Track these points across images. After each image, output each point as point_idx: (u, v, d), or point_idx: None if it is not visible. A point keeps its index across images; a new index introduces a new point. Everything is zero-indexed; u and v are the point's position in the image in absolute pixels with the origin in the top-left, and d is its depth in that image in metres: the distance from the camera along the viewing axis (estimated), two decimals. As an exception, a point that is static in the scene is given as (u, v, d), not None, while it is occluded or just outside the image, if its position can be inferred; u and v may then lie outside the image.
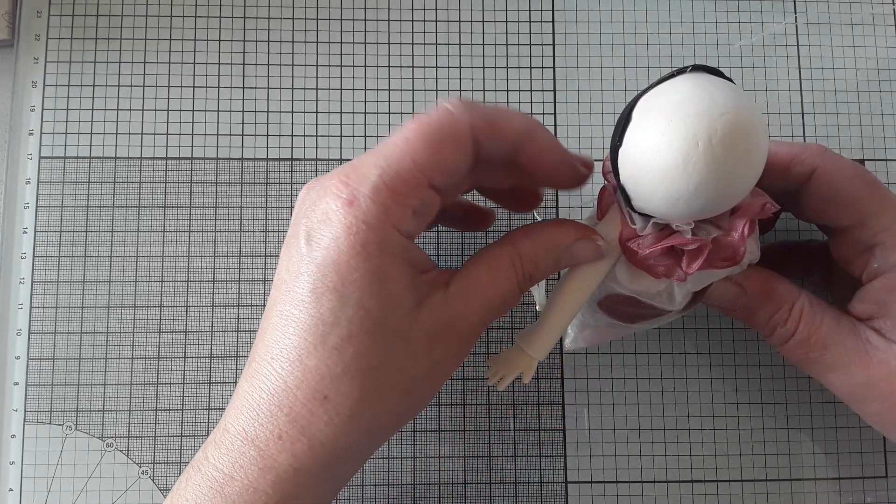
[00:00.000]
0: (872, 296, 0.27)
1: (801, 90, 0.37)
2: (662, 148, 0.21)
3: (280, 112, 0.36)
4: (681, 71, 0.24)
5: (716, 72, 0.24)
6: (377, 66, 0.37)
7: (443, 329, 0.24)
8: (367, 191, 0.22)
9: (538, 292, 0.35)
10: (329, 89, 0.36)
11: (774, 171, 0.27)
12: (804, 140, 0.37)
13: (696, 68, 0.24)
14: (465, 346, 0.25)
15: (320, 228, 0.22)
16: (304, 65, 0.36)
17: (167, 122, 0.36)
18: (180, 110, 0.36)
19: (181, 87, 0.36)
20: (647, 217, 0.25)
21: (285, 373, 0.22)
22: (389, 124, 0.36)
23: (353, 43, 0.37)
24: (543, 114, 0.37)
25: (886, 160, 0.37)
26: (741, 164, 0.22)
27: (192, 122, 0.36)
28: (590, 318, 0.30)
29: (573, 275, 0.27)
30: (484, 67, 0.37)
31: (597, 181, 0.27)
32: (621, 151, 0.23)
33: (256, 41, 0.37)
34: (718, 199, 0.22)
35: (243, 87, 0.36)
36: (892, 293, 0.26)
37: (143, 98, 0.36)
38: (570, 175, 0.26)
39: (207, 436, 0.33)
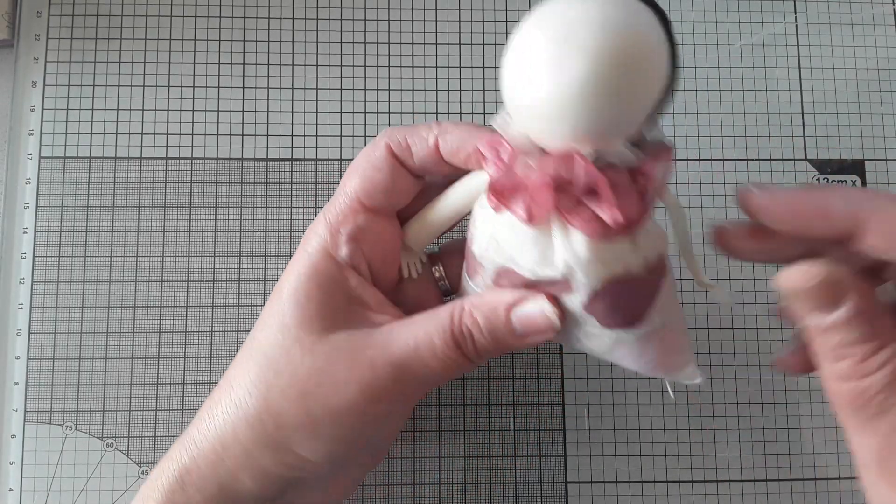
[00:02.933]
0: None
1: (801, 90, 0.37)
2: (535, 43, 0.20)
3: (280, 112, 0.36)
4: None
5: None
6: (377, 66, 0.37)
7: (353, 351, 0.24)
8: (315, 223, 0.27)
9: (666, 385, 0.30)
10: (329, 89, 0.36)
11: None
12: (804, 140, 0.37)
13: None
14: (378, 382, 0.24)
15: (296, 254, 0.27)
16: (304, 65, 0.36)
17: (167, 122, 0.36)
18: (180, 110, 0.36)
19: (181, 87, 0.36)
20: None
21: (266, 371, 0.25)
22: (389, 124, 0.36)
23: (353, 43, 0.37)
24: (543, 114, 0.37)
25: (886, 160, 0.37)
26: (618, 67, 0.19)
27: (192, 122, 0.36)
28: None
29: (462, 180, 0.25)
30: (484, 67, 0.37)
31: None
32: (504, 65, 0.22)
33: (256, 41, 0.36)
34: (595, 104, 0.20)
35: (243, 87, 0.36)
36: None
37: (143, 98, 0.36)
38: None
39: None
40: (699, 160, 0.37)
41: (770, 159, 0.37)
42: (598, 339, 0.24)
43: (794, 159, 0.37)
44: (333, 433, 0.24)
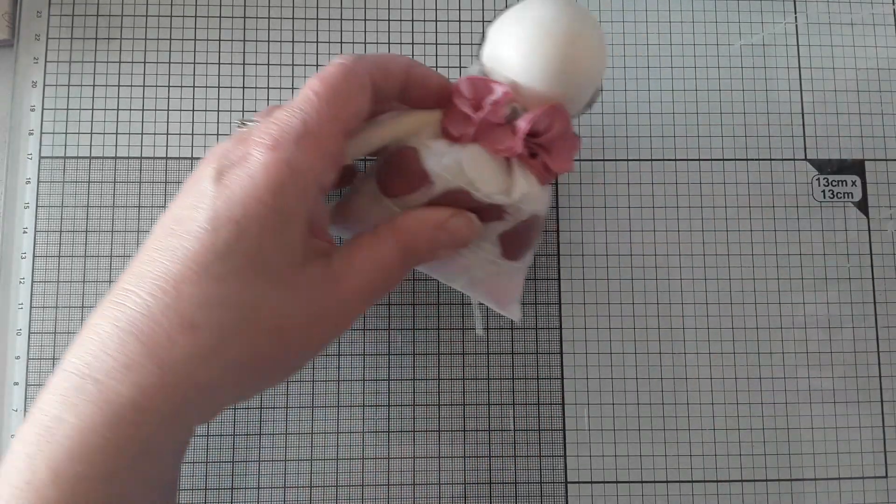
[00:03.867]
0: None
1: (801, 90, 0.37)
2: (520, 28, 0.27)
3: (280, 112, 0.36)
4: None
5: None
6: (377, 66, 0.37)
7: (322, 286, 0.24)
8: (293, 137, 0.23)
9: (477, 317, 0.35)
10: (329, 89, 0.36)
11: None
12: (804, 140, 0.37)
13: None
14: (344, 308, 0.25)
15: (235, 168, 0.23)
16: (304, 65, 0.36)
17: (167, 122, 0.36)
18: (180, 110, 0.36)
19: (181, 87, 0.36)
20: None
21: (153, 300, 0.22)
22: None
23: (353, 43, 0.37)
24: (543, 114, 0.37)
25: (886, 160, 0.37)
26: (569, 52, 0.27)
27: (192, 122, 0.36)
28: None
29: (414, 111, 0.29)
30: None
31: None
32: (489, 38, 0.29)
33: (256, 41, 0.36)
34: (550, 68, 0.27)
35: (243, 87, 0.36)
36: None
37: (143, 98, 0.36)
38: (443, 88, 0.28)
39: (207, 436, 0.33)
40: (699, 160, 0.37)
41: (770, 159, 0.37)
42: (479, 267, 0.29)
43: (794, 159, 0.37)
44: (294, 365, 0.25)
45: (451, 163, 0.27)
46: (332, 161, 0.24)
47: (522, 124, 0.27)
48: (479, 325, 0.35)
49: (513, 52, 0.27)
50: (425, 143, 0.28)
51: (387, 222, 0.27)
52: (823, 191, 0.37)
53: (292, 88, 0.36)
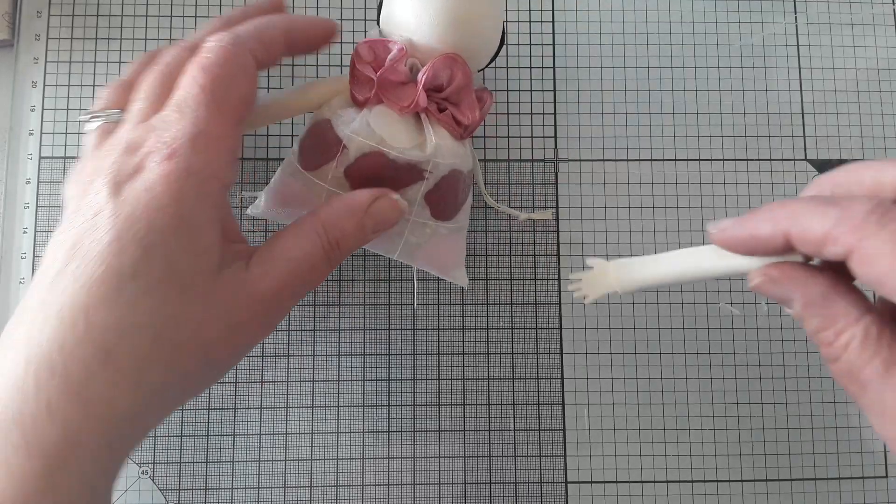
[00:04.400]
0: None
1: (801, 90, 0.37)
2: None
3: (280, 112, 0.36)
4: None
5: None
6: (377, 66, 0.37)
7: (241, 291, 0.23)
8: (187, 141, 0.22)
9: (415, 290, 0.35)
10: (329, 89, 0.36)
11: (806, 246, 0.22)
12: (804, 140, 0.37)
13: None
14: (267, 311, 0.24)
15: (131, 181, 0.22)
16: (304, 65, 0.36)
17: (167, 122, 0.36)
18: (180, 110, 0.36)
19: (181, 87, 0.36)
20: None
21: (63, 332, 0.20)
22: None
23: (353, 43, 0.37)
24: (543, 113, 0.37)
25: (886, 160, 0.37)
26: (458, 2, 0.28)
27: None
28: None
29: (316, 82, 0.30)
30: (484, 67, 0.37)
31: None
32: (385, 1, 0.30)
33: (256, 41, 0.36)
34: (441, 20, 0.28)
35: (243, 87, 0.36)
36: None
37: (143, 98, 0.36)
38: (327, 33, 0.29)
39: (207, 436, 0.33)
40: (699, 160, 0.37)
41: (770, 159, 0.37)
42: (413, 232, 0.30)
43: (794, 159, 0.37)
44: (217, 377, 0.25)
45: (360, 125, 0.28)
46: (230, 156, 0.23)
47: (421, 76, 0.28)
48: (416, 300, 0.35)
49: (406, 10, 0.29)
50: (336, 111, 0.29)
51: (307, 215, 0.26)
52: (823, 191, 0.37)
53: (292, 88, 0.36)
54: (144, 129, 0.23)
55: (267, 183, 0.32)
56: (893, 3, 0.38)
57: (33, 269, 0.34)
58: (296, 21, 0.28)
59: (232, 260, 0.24)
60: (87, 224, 0.21)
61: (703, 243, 0.25)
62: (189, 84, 0.23)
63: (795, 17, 0.38)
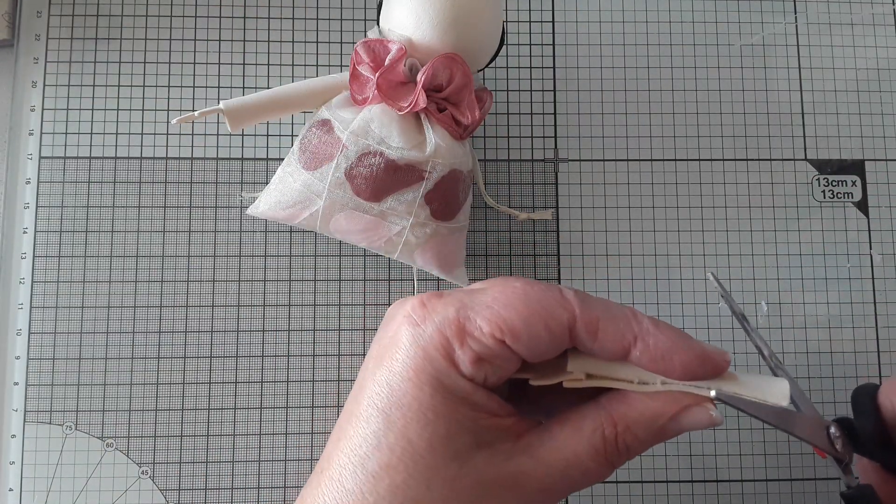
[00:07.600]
0: None
1: (801, 90, 0.37)
2: None
3: (280, 112, 0.36)
4: None
5: None
6: (377, 66, 0.37)
7: (501, 482, 0.21)
8: (438, 319, 0.22)
9: (416, 288, 0.34)
10: (329, 89, 0.36)
11: None
12: (804, 140, 0.37)
13: None
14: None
15: (389, 348, 0.22)
16: (304, 65, 0.36)
17: (167, 122, 0.36)
18: (180, 110, 0.36)
19: (181, 87, 0.36)
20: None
21: (329, 490, 0.21)
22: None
23: (353, 43, 0.37)
24: (543, 113, 0.37)
25: (886, 160, 0.37)
26: (457, 1, 0.28)
27: (192, 123, 0.36)
28: (339, 194, 0.29)
29: (310, 82, 0.31)
30: (484, 67, 0.37)
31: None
32: (384, 2, 0.30)
33: (256, 41, 0.36)
34: (440, 19, 0.28)
35: (243, 87, 0.36)
36: None
37: (143, 98, 0.36)
38: (702, 369, 0.23)
39: (207, 436, 0.33)
40: (699, 160, 0.37)
41: (770, 159, 0.37)
42: (413, 232, 0.30)
43: (794, 159, 0.37)
44: None
45: (360, 124, 0.29)
46: (481, 360, 0.22)
47: (421, 76, 0.28)
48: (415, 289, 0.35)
49: (404, 10, 0.29)
50: (336, 111, 0.30)
51: (594, 406, 0.23)
52: (823, 191, 0.37)
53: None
54: (472, 295, 0.23)
55: (267, 183, 0.32)
56: (893, 3, 0.38)
57: (33, 269, 0.34)
58: (656, 336, 0.24)
59: (492, 441, 0.22)
60: (357, 384, 0.23)
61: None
62: (505, 281, 0.23)
63: (795, 17, 0.38)
